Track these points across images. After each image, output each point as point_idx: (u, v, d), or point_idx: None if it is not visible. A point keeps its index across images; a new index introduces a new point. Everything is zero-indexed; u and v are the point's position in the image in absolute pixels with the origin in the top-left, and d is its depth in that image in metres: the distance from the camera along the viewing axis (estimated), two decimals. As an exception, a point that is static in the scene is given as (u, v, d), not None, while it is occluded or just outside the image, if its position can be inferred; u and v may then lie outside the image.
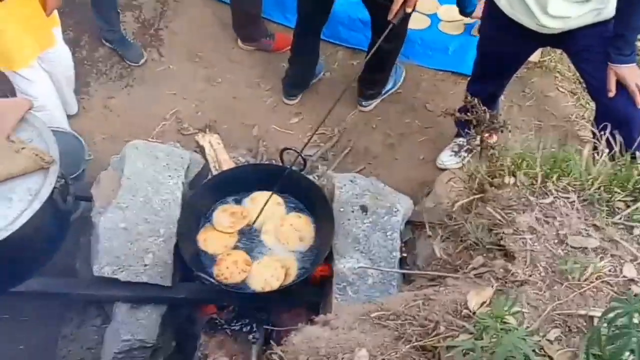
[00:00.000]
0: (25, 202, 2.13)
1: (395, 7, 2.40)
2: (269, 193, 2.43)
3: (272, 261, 2.36)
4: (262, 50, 3.74)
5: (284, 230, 2.44)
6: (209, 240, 2.44)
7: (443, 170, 3.10)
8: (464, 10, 3.43)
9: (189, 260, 2.29)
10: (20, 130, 2.33)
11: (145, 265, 2.34)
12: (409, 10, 2.44)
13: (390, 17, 2.43)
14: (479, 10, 3.50)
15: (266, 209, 2.42)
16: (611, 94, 2.28)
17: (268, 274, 2.31)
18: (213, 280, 2.23)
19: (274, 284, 2.28)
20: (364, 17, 3.27)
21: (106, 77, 3.56)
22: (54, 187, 2.19)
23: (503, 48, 2.60)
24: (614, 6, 2.26)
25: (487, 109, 1.87)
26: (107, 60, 3.63)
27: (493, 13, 2.50)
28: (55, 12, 2.81)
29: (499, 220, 1.59)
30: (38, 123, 2.39)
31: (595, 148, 1.87)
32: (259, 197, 2.51)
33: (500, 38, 2.56)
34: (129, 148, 2.61)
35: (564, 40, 2.43)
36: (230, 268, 2.32)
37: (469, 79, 2.97)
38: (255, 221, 2.45)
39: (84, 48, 3.66)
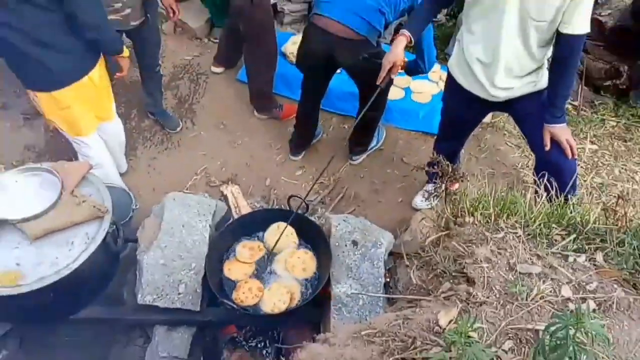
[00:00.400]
0: (84, 245, 2.14)
1: (383, 74, 2.40)
2: (284, 224, 2.44)
3: (280, 287, 2.33)
4: (273, 118, 3.78)
5: (292, 261, 2.43)
6: (232, 269, 2.43)
7: (417, 210, 3.10)
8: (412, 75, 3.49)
9: (214, 289, 2.28)
10: (82, 187, 2.36)
11: (179, 293, 2.32)
12: (393, 76, 2.43)
13: (378, 81, 2.43)
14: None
15: (280, 240, 2.43)
16: (547, 148, 2.29)
17: (276, 298, 2.28)
18: (234, 306, 2.21)
19: (282, 307, 2.25)
20: (353, 91, 3.32)
21: (150, 143, 3.60)
22: (107, 232, 2.20)
23: (462, 113, 2.62)
24: (546, 79, 2.31)
25: (449, 163, 1.89)
26: (151, 129, 3.68)
27: (452, 86, 2.52)
28: (110, 91, 2.86)
29: (462, 252, 1.59)
30: (96, 181, 2.42)
31: (536, 192, 1.89)
32: (276, 226, 2.53)
33: (459, 106, 2.57)
34: (167, 199, 2.62)
35: (509, 106, 2.44)
36: (246, 293, 2.30)
37: (435, 137, 2.99)
38: (273, 248, 2.44)
39: (133, 120, 3.71)
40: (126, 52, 2.65)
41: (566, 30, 2.05)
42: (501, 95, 2.35)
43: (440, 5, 2.45)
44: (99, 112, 2.79)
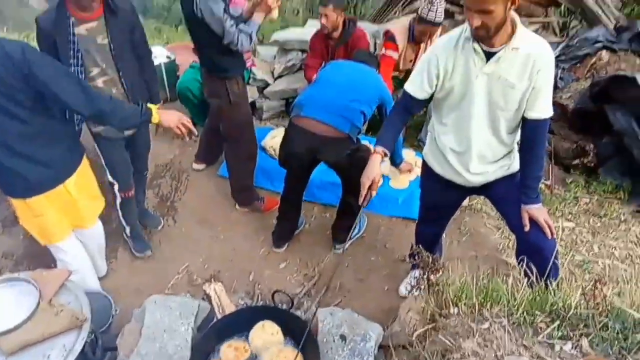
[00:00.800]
0: (61, 357, 2.06)
1: (363, 192, 2.37)
2: (270, 322, 2.38)
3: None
4: (255, 211, 3.82)
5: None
6: None
7: (404, 297, 3.07)
8: (394, 163, 3.62)
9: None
10: (60, 295, 2.31)
11: (162, 403, 2.22)
12: (374, 193, 2.39)
13: (360, 201, 2.39)
14: (406, 164, 3.71)
15: (265, 339, 2.36)
16: (526, 229, 2.32)
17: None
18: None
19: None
20: (333, 181, 3.40)
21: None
22: (85, 342, 2.14)
23: (440, 199, 2.67)
24: (517, 163, 2.40)
25: (429, 254, 1.92)
26: (132, 230, 3.65)
27: (429, 173, 2.60)
28: (94, 198, 2.89)
29: (449, 345, 1.58)
30: (74, 288, 2.38)
31: (526, 275, 1.90)
32: (262, 325, 2.46)
33: (437, 192, 2.63)
34: (148, 302, 2.57)
35: (485, 190, 2.51)
36: None
37: (416, 222, 3.02)
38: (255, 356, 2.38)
39: (114, 222, 3.70)
40: (154, 109, 2.57)
41: (531, 115, 2.17)
42: (476, 181, 2.43)
43: (411, 114, 2.50)
44: (74, 221, 2.77)
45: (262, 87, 4.97)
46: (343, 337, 2.46)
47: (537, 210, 2.31)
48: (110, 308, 2.75)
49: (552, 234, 2.28)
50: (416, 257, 1.92)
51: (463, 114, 2.28)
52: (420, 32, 3.75)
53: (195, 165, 4.22)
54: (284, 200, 3.41)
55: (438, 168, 2.52)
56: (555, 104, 4.21)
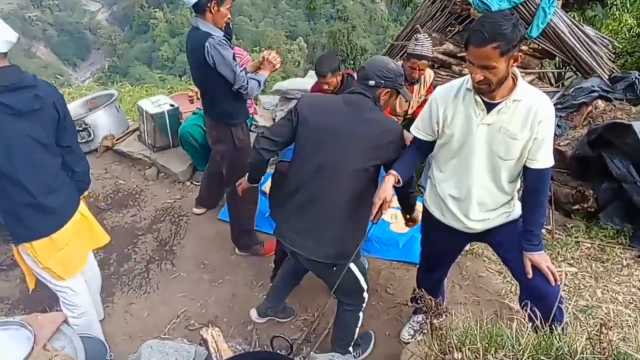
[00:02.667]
0: (52, 404, 2.00)
1: (374, 210, 2.31)
2: None
3: None
4: (255, 255, 3.79)
5: None
6: None
7: (406, 343, 3.01)
8: (409, 212, 3.56)
9: None
10: (55, 340, 2.27)
11: None
12: (385, 212, 2.32)
13: (371, 218, 2.34)
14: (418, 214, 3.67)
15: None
16: (529, 276, 2.29)
17: None
18: None
19: None
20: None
21: (128, 287, 3.53)
22: (79, 389, 2.08)
23: (440, 245, 2.65)
24: (518, 209, 2.41)
25: (432, 298, 1.89)
26: (130, 274, 3.63)
27: (429, 220, 2.59)
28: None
29: (453, 391, 1.54)
30: (69, 332, 2.34)
31: (521, 323, 1.87)
32: None
33: (437, 238, 2.61)
34: (144, 348, 2.50)
35: (487, 236, 2.49)
36: None
37: (418, 267, 2.98)
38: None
39: (112, 265, 3.68)
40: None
41: (533, 165, 2.19)
42: (477, 227, 2.42)
43: (426, 154, 2.52)
44: (90, 243, 2.78)
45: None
46: (343, 385, 2.39)
47: (539, 257, 2.29)
48: (105, 353, 2.68)
49: (555, 280, 2.25)
50: (419, 302, 1.89)
51: (463, 161, 2.30)
52: (410, 67, 3.83)
53: (196, 210, 4.22)
54: (279, 243, 3.39)
55: (438, 214, 2.51)
56: (554, 151, 4.26)
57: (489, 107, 2.13)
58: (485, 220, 2.40)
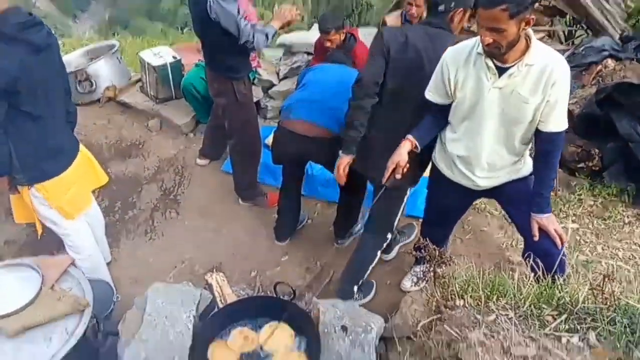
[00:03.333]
0: (63, 341, 2.05)
1: (387, 174, 2.33)
2: (282, 324, 2.37)
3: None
4: (258, 206, 3.81)
5: None
6: (216, 352, 2.33)
7: (406, 292, 3.05)
8: None
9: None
10: (63, 281, 2.30)
11: (162, 390, 2.20)
12: (398, 176, 2.33)
13: (383, 181, 2.35)
14: None
15: (276, 338, 2.35)
16: (535, 238, 2.25)
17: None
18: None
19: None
20: (335, 177, 3.40)
21: (134, 234, 3.56)
22: (87, 326, 2.12)
23: (448, 201, 2.62)
24: (528, 166, 2.36)
25: (436, 247, 1.89)
26: (135, 221, 3.65)
27: (437, 176, 2.56)
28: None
29: (455, 336, 1.56)
30: (77, 274, 2.37)
31: (523, 273, 1.89)
32: (269, 326, 2.43)
33: (445, 194, 2.59)
34: (150, 290, 2.54)
35: (495, 193, 2.47)
36: None
37: (422, 222, 2.97)
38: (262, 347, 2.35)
39: (117, 212, 3.70)
40: None
41: (545, 128, 2.13)
42: (485, 184, 2.40)
43: (445, 118, 2.44)
44: (93, 182, 2.81)
45: (267, 87, 5.01)
46: (344, 328, 2.43)
47: (547, 220, 2.24)
48: (112, 295, 2.73)
49: (562, 242, 2.23)
50: (422, 251, 1.90)
51: (474, 124, 2.26)
52: (408, 3, 3.72)
53: (199, 161, 4.21)
54: (282, 194, 3.40)
55: (447, 171, 2.49)
56: (561, 109, 4.22)
57: (501, 71, 2.07)
58: (493, 178, 2.37)
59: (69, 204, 2.64)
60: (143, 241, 3.51)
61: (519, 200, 2.36)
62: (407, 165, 2.29)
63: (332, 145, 2.91)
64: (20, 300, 2.10)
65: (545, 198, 2.25)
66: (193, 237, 3.55)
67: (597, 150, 3.99)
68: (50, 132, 2.43)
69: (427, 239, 1.92)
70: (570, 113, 4.15)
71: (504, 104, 2.12)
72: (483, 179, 2.37)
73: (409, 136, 2.34)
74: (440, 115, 2.41)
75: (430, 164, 2.63)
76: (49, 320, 2.10)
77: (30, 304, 2.11)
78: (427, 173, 3.72)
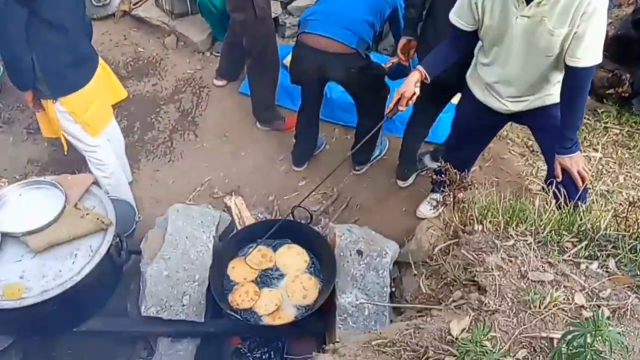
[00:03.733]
0: (87, 257, 2.12)
1: (391, 105, 2.32)
2: (294, 245, 2.44)
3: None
4: (276, 129, 3.76)
5: (294, 286, 2.39)
6: (236, 269, 2.45)
7: (422, 219, 3.07)
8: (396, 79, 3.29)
9: (219, 301, 2.24)
10: (86, 200, 2.34)
11: (183, 305, 2.29)
12: (401, 109, 2.31)
13: (387, 112, 2.37)
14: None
15: (291, 259, 2.41)
16: (558, 179, 2.17)
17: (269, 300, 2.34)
18: (239, 317, 2.18)
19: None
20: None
21: (153, 155, 3.57)
22: (111, 244, 2.18)
23: (478, 123, 2.55)
24: (557, 94, 2.25)
25: (457, 171, 1.86)
26: (154, 142, 3.65)
27: (469, 96, 2.50)
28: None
29: (472, 260, 1.56)
30: (99, 193, 2.41)
31: (544, 200, 1.86)
32: (287, 247, 2.53)
33: (473, 114, 2.52)
34: (171, 210, 2.60)
35: (526, 118, 2.42)
36: (242, 296, 2.31)
37: (445, 148, 2.90)
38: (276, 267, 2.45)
39: (136, 133, 3.69)
40: None
41: (571, 63, 1.98)
42: (515, 108, 2.33)
43: (459, 54, 2.34)
44: (113, 96, 2.80)
45: (286, 2, 4.75)
46: (360, 252, 2.48)
47: (570, 160, 2.15)
48: (134, 214, 2.79)
49: (583, 183, 2.15)
50: (443, 174, 1.86)
51: (504, 51, 2.16)
52: None
53: (217, 82, 4.12)
54: (300, 117, 3.34)
55: (479, 93, 2.41)
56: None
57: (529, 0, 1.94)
58: (524, 102, 2.30)
59: (92, 118, 2.63)
60: (162, 162, 3.53)
61: (548, 126, 2.30)
62: (414, 96, 2.25)
63: (351, 61, 2.81)
64: (45, 217, 2.16)
65: (568, 139, 2.15)
66: (211, 159, 3.55)
67: (628, 76, 3.79)
68: (72, 41, 2.39)
69: (449, 164, 1.88)
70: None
71: (531, 34, 2.01)
72: (514, 103, 2.31)
73: (419, 67, 2.27)
74: (459, 42, 2.31)
75: (464, 84, 2.54)
76: (73, 237, 2.16)
77: (54, 221, 2.16)
78: (457, 101, 3.64)
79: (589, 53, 1.95)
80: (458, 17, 2.21)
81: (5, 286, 2.01)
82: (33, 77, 2.36)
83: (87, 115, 2.59)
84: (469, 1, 2.12)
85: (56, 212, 2.18)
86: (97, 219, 2.22)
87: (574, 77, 2.03)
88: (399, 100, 2.25)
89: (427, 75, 2.25)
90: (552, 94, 2.27)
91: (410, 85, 2.24)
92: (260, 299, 2.31)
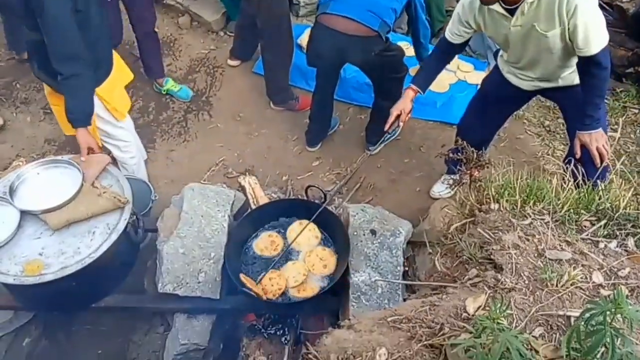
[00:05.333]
0: (105, 235, 2.14)
1: (391, 120, 2.49)
2: (306, 221, 2.43)
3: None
4: (290, 109, 3.74)
5: (311, 260, 2.40)
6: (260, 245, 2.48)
7: (435, 199, 3.05)
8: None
9: (234, 278, 2.26)
10: (102, 179, 2.35)
11: (199, 282, 2.31)
12: (401, 124, 2.52)
13: (386, 128, 2.52)
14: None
15: (302, 236, 2.42)
16: (577, 156, 2.19)
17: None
18: (253, 294, 2.19)
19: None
20: (369, 82, 3.28)
21: (168, 135, 3.58)
22: (128, 222, 2.19)
23: (497, 94, 2.58)
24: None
25: (474, 150, 1.83)
26: (169, 122, 3.66)
27: (498, 75, 2.54)
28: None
29: (488, 238, 1.55)
30: (116, 172, 2.42)
31: (563, 178, 1.83)
32: (298, 223, 2.52)
33: (497, 86, 2.56)
34: (186, 189, 2.61)
35: (552, 93, 2.48)
36: (268, 285, 2.29)
37: (459, 128, 2.88)
38: (290, 244, 2.44)
39: (151, 113, 3.69)
40: None
41: (580, 53, 2.07)
42: (542, 85, 2.40)
43: (450, 57, 2.55)
44: (126, 77, 2.77)
45: (300, -19, 4.67)
46: (373, 232, 2.47)
47: (590, 137, 2.19)
48: (150, 193, 2.80)
49: (602, 161, 2.18)
50: (459, 153, 1.84)
51: (516, 52, 2.27)
52: None
53: (230, 62, 4.09)
54: (315, 98, 3.31)
55: (507, 73, 2.48)
56: (614, 7, 3.87)
57: (511, 11, 2.05)
58: (550, 81, 2.36)
59: (119, 102, 2.62)
60: (177, 142, 3.53)
61: (574, 104, 2.31)
62: (411, 111, 2.49)
63: (372, 44, 2.77)
64: (63, 196, 2.17)
65: (588, 116, 2.18)
66: (226, 139, 3.55)
67: (648, 55, 3.70)
68: (100, 26, 2.36)
69: (465, 142, 1.86)
70: (623, 12, 3.82)
71: (529, 39, 2.12)
72: (540, 82, 2.38)
73: (412, 85, 2.48)
74: (450, 55, 2.53)
75: (464, 62, 2.63)
76: (91, 215, 2.18)
77: (72, 199, 2.18)
78: (472, 80, 3.59)
79: (590, 42, 2.02)
80: (452, 36, 2.37)
81: (26, 262, 2.03)
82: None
83: (115, 100, 2.57)
84: (459, 20, 2.29)
85: (74, 191, 2.19)
86: (115, 197, 2.23)
87: (587, 65, 2.11)
88: (398, 115, 2.46)
89: (421, 92, 2.49)
90: (576, 78, 2.29)
91: (408, 102, 2.47)
92: (285, 271, 2.33)
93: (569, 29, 1.99)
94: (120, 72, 2.67)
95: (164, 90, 3.75)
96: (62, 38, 2.11)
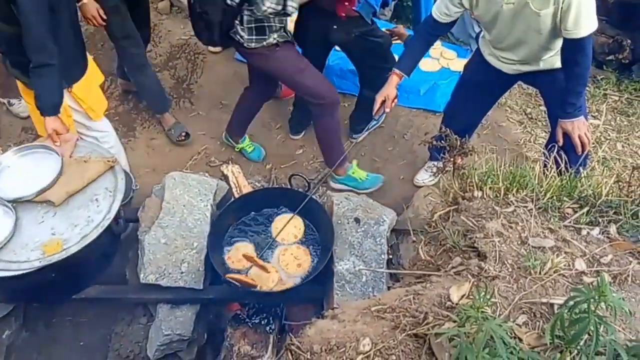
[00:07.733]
0: (110, 198, 2.10)
1: (376, 107, 2.46)
2: (295, 216, 2.40)
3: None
4: (273, 97, 3.69)
5: (285, 259, 2.36)
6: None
7: (419, 187, 3.04)
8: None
9: (218, 268, 2.23)
10: (77, 153, 2.28)
11: (182, 272, 2.28)
12: (387, 110, 2.49)
13: (373, 113, 2.51)
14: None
15: (285, 230, 2.39)
16: (559, 143, 2.20)
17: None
18: (237, 284, 2.16)
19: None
20: (353, 69, 3.24)
21: (148, 123, 3.50)
22: (125, 180, 2.17)
23: (487, 82, 2.57)
24: None
25: (457, 137, 1.82)
26: (149, 110, 3.56)
27: (479, 59, 2.53)
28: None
29: (472, 226, 1.53)
30: (88, 144, 2.38)
31: (544, 166, 1.83)
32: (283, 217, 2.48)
33: (485, 75, 2.54)
34: (168, 178, 2.56)
35: (532, 78, 2.48)
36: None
37: (443, 116, 2.88)
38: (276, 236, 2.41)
39: (131, 101, 3.61)
40: None
41: (567, 35, 2.06)
42: (523, 69, 2.39)
43: (434, 38, 2.51)
44: (99, 78, 2.69)
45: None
46: (357, 220, 2.46)
47: (571, 125, 2.20)
48: (131, 183, 2.73)
49: (583, 150, 2.20)
50: (443, 140, 1.83)
51: (501, 32, 2.25)
52: None
53: (212, 48, 4.00)
54: None
55: (488, 55, 2.48)
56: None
57: None
58: (531, 65, 2.35)
59: (96, 102, 2.55)
60: (159, 130, 3.46)
61: (554, 90, 2.33)
62: (396, 97, 2.45)
63: (350, 24, 2.72)
64: (49, 175, 2.12)
65: (571, 104, 2.19)
66: (208, 128, 3.49)
67: (629, 42, 3.72)
68: (73, 27, 2.31)
69: (449, 130, 1.84)
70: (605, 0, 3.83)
71: (521, 17, 2.09)
72: (522, 65, 2.37)
73: (396, 70, 2.42)
74: (434, 36, 2.48)
75: (448, 50, 2.60)
76: (87, 181, 2.13)
77: (60, 174, 2.12)
78: (456, 67, 3.56)
79: (580, 24, 2.01)
80: (440, 15, 2.29)
81: (42, 245, 1.96)
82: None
83: (91, 100, 2.50)
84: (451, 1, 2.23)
85: (58, 168, 2.14)
86: (102, 158, 2.20)
87: (571, 50, 2.11)
88: (383, 102, 2.42)
89: (405, 75, 2.42)
90: (557, 61, 2.27)
91: (392, 88, 2.42)
92: (258, 279, 2.26)
93: (562, 8, 1.97)
94: (95, 72, 2.60)
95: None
96: (37, 23, 2.05)
